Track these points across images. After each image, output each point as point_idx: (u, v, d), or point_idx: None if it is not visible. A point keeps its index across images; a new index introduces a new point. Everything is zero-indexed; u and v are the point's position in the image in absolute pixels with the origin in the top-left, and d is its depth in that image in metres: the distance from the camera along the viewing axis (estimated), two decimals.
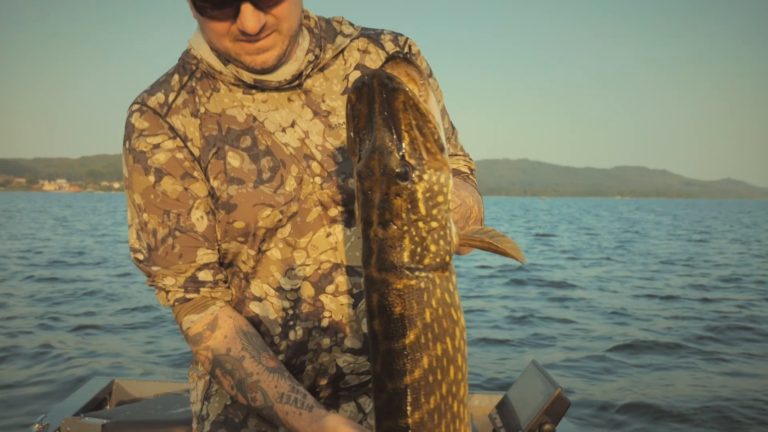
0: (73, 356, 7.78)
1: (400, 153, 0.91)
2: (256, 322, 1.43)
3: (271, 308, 1.41)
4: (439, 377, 0.97)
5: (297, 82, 1.38)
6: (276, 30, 1.28)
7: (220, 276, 1.41)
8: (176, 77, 1.40)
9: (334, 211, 1.40)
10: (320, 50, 1.42)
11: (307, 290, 1.39)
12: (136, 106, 1.36)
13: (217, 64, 1.37)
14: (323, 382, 1.44)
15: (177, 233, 1.35)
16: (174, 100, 1.37)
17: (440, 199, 0.95)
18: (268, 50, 1.29)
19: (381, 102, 0.90)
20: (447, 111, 1.52)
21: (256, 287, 1.42)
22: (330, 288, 1.40)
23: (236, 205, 1.33)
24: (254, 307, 1.43)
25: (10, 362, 7.60)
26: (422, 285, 0.96)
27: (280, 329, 1.41)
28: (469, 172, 1.55)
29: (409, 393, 0.96)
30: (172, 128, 1.35)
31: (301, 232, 1.38)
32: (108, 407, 3.24)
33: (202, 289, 1.38)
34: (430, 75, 1.48)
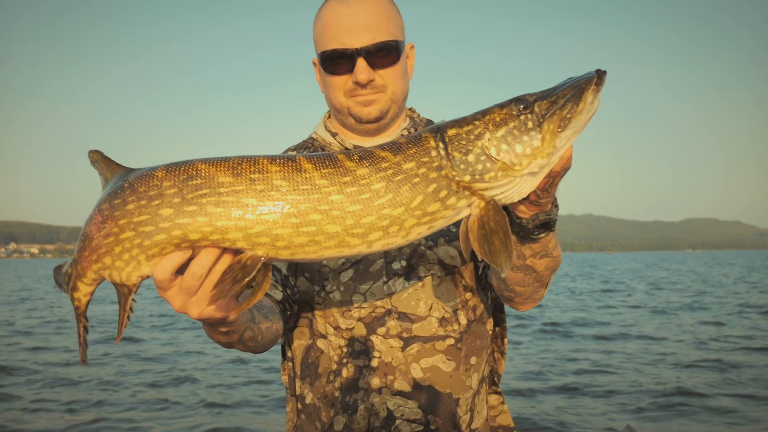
0: None
1: (536, 97, 1.08)
2: (320, 358, 1.64)
3: (330, 345, 1.62)
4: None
5: None
6: (382, 91, 1.62)
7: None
8: (294, 152, 1.74)
9: (397, 265, 1.59)
10: (415, 130, 1.71)
11: (360, 330, 1.57)
12: None
13: (327, 137, 1.74)
14: (377, 423, 1.57)
15: None
16: None
17: (517, 148, 1.06)
18: (372, 103, 1.62)
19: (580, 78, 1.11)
20: None
21: (320, 325, 1.63)
22: (381, 330, 1.56)
23: None
24: (320, 344, 1.64)
25: None
26: (433, 153, 1.07)
27: (335, 366, 1.61)
28: None
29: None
30: None
31: (362, 278, 1.58)
32: None
33: None
34: None
